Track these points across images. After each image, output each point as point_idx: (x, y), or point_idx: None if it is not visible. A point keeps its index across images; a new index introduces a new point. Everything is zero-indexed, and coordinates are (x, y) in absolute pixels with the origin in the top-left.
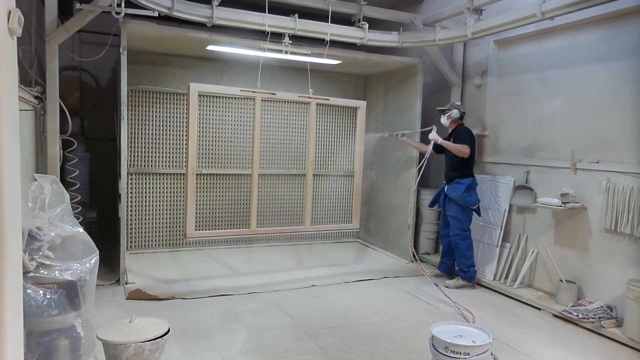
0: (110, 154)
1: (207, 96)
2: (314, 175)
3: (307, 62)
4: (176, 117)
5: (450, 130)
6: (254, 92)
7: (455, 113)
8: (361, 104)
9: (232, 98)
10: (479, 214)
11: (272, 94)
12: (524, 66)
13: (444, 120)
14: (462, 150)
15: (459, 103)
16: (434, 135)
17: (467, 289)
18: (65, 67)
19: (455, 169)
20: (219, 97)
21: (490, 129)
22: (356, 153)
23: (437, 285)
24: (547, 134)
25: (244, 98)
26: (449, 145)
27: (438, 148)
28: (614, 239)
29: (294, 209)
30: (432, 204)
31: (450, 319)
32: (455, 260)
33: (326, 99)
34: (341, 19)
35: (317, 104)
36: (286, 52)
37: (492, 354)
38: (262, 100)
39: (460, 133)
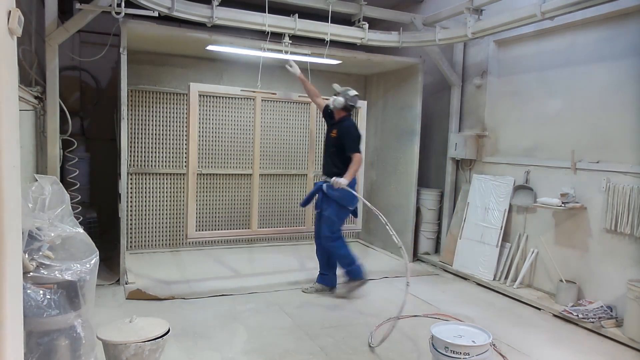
0: (110, 154)
1: (207, 96)
2: (314, 175)
3: (307, 62)
4: (176, 117)
5: (335, 119)
6: (254, 92)
7: (338, 102)
8: (361, 104)
9: (232, 98)
10: (355, 215)
11: (272, 93)
12: (523, 66)
13: (329, 102)
14: (356, 166)
15: (355, 93)
16: (340, 182)
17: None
18: (65, 67)
19: (337, 166)
20: (219, 97)
21: (490, 129)
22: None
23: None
24: (547, 133)
25: (244, 98)
26: (350, 173)
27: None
28: (614, 239)
29: (295, 209)
30: (305, 204)
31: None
32: (335, 269)
33: (326, 99)
34: (341, 19)
35: None
36: (286, 52)
37: (500, 353)
38: (262, 100)
39: (345, 133)
